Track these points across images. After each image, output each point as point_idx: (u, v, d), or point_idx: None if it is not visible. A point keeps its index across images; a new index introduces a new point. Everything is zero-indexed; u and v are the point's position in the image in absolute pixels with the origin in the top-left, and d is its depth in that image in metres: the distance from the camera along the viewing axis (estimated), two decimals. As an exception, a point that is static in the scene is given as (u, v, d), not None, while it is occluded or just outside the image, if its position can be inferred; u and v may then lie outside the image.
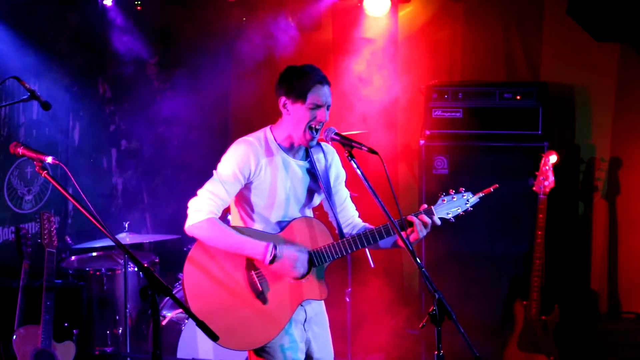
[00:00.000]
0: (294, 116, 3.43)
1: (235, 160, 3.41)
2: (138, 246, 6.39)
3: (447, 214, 3.45)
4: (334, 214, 3.61)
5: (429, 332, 5.54)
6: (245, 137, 3.50)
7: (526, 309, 5.42)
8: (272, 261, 3.35)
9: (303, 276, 3.43)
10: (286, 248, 3.40)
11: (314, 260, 3.46)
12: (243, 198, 3.50)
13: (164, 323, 5.25)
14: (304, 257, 3.42)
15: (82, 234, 6.00)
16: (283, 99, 3.45)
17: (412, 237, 3.40)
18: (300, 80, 3.40)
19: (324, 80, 3.43)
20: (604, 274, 6.01)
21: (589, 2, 5.55)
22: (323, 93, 3.41)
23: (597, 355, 5.79)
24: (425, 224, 3.38)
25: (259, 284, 3.40)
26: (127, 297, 5.39)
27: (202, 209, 3.38)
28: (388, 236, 3.43)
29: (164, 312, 5.40)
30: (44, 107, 4.01)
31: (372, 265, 4.62)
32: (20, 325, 4.84)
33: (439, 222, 3.43)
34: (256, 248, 3.36)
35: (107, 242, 5.48)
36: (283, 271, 3.39)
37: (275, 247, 3.36)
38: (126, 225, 5.60)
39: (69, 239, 5.74)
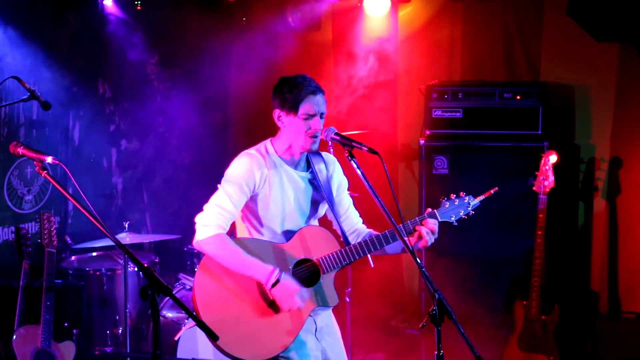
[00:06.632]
0: (289, 128, 3.44)
1: (240, 172, 3.41)
2: (138, 246, 6.39)
3: (451, 217, 3.49)
4: (338, 223, 3.62)
5: (429, 332, 5.57)
6: (247, 151, 3.51)
7: (526, 309, 5.42)
8: (274, 285, 3.34)
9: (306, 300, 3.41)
10: (291, 278, 3.39)
11: (323, 268, 3.46)
12: (249, 210, 3.50)
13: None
14: (306, 294, 3.41)
15: (82, 234, 6.00)
16: (277, 111, 3.46)
17: (420, 244, 3.43)
18: (292, 92, 3.39)
19: (316, 90, 3.42)
20: (604, 274, 6.02)
21: (589, 2, 5.55)
22: (315, 102, 3.41)
23: (597, 355, 5.80)
24: (432, 232, 3.42)
25: (270, 294, 3.39)
26: (127, 297, 5.39)
27: (210, 224, 3.37)
28: (394, 241, 3.45)
29: (164, 312, 5.38)
30: (44, 107, 4.01)
31: (372, 265, 4.61)
32: (20, 325, 4.83)
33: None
34: (261, 271, 3.35)
35: (107, 242, 5.47)
36: (282, 298, 3.35)
37: (280, 273, 3.35)
38: (126, 225, 5.59)
39: (69, 239, 5.73)
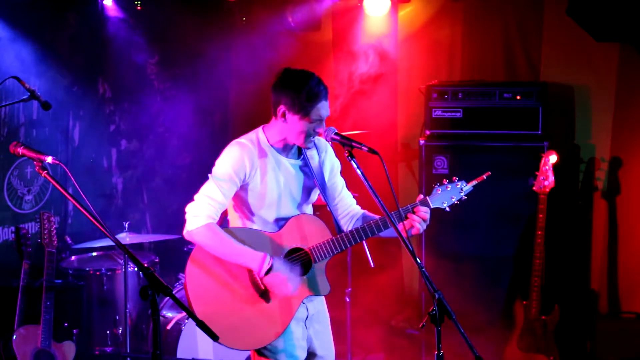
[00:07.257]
0: (292, 126, 3.42)
1: (230, 162, 3.42)
2: (138, 246, 6.39)
3: (443, 203, 3.49)
4: (330, 209, 3.63)
5: (429, 332, 5.57)
6: (237, 140, 3.51)
7: (526, 309, 5.42)
8: (267, 272, 3.36)
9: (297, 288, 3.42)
10: (282, 264, 3.40)
11: (314, 257, 3.47)
12: (240, 199, 3.51)
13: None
14: (297, 278, 3.42)
15: (82, 234, 6.00)
16: (283, 108, 3.42)
17: (412, 232, 3.44)
18: (310, 100, 3.36)
19: (327, 95, 3.43)
20: (604, 274, 6.01)
21: (589, 2, 5.55)
22: (325, 108, 3.42)
23: (597, 355, 5.79)
24: (424, 219, 3.42)
25: (261, 283, 3.41)
26: (127, 297, 5.39)
27: (200, 214, 3.38)
28: (386, 229, 3.46)
29: (163, 312, 5.39)
30: (44, 107, 4.01)
31: (372, 265, 4.62)
32: (20, 325, 4.83)
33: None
34: (253, 258, 3.36)
35: (107, 242, 5.47)
36: (274, 284, 3.38)
37: (272, 259, 3.36)
38: (126, 225, 5.60)
39: (69, 239, 5.73)
